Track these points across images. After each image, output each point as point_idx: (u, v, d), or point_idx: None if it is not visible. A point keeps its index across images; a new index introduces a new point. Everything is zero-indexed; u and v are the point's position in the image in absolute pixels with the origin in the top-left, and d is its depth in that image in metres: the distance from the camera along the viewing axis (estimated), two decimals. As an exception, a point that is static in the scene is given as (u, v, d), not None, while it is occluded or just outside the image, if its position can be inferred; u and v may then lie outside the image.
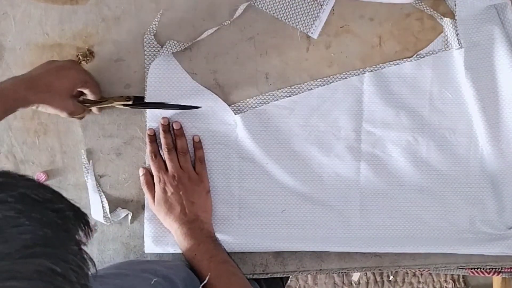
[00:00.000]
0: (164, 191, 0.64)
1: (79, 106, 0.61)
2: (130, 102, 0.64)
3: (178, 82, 0.66)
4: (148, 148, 0.66)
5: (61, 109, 0.58)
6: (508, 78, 0.66)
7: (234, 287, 0.58)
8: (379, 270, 0.71)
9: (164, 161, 0.65)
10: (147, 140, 0.66)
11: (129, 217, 0.68)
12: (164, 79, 0.66)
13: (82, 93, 0.63)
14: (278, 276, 0.70)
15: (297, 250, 0.68)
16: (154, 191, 0.65)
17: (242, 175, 0.68)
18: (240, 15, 0.66)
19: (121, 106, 0.65)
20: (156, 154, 0.65)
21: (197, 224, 0.63)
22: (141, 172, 0.67)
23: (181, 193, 0.64)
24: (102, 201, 0.67)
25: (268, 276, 0.70)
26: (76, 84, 0.60)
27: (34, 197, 0.29)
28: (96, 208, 0.67)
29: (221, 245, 0.64)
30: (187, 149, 0.66)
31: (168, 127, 0.66)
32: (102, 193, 0.67)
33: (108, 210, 0.67)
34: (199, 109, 0.67)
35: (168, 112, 0.66)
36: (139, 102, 0.65)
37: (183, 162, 0.65)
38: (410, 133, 0.68)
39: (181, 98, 0.66)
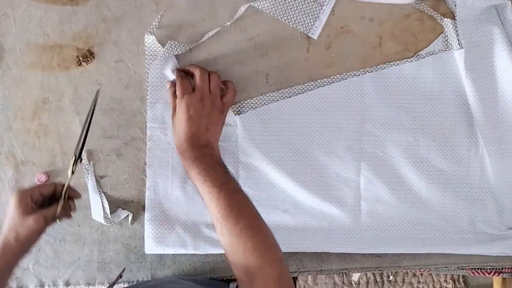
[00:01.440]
0: (187, 110, 0.61)
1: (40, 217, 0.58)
2: (73, 161, 0.61)
3: None
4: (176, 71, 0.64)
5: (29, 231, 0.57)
6: (509, 78, 0.66)
7: (245, 218, 0.54)
8: (379, 270, 0.71)
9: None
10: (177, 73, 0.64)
11: (130, 218, 0.68)
12: (165, 79, 0.66)
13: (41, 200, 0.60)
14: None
15: (297, 251, 0.68)
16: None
17: (243, 176, 0.68)
18: (240, 16, 0.66)
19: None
20: (186, 72, 0.64)
21: (208, 150, 0.60)
22: (168, 84, 0.65)
23: (201, 116, 0.61)
24: (102, 202, 0.67)
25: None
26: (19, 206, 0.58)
27: None
28: (96, 209, 0.67)
29: (231, 174, 0.59)
30: (219, 77, 0.64)
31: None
32: (103, 194, 0.67)
33: (108, 211, 0.67)
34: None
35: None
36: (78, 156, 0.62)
37: (214, 86, 0.63)
38: (411, 134, 0.68)
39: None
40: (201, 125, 0.61)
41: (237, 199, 0.55)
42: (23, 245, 0.57)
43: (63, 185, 0.60)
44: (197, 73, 0.62)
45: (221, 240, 0.54)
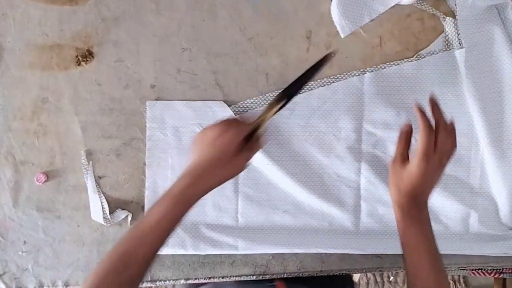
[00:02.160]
0: (430, 165, 0.57)
1: (246, 155, 0.56)
2: (282, 103, 0.59)
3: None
4: (421, 119, 0.58)
5: (236, 173, 0.56)
6: (509, 77, 0.66)
7: None
8: (380, 271, 0.71)
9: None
10: (418, 114, 0.58)
11: (129, 218, 0.67)
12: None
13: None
14: (277, 277, 0.70)
15: (297, 251, 0.68)
16: (406, 150, 0.61)
17: (242, 176, 0.68)
18: (240, 15, 0.66)
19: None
20: (431, 126, 0.58)
21: (427, 211, 0.59)
22: (405, 127, 0.62)
23: (435, 173, 0.59)
24: (101, 202, 0.67)
25: (267, 277, 0.70)
26: (235, 143, 0.55)
27: None
28: (95, 209, 0.66)
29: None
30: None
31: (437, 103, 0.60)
32: (102, 194, 0.67)
33: (107, 211, 0.66)
34: (201, 106, 0.66)
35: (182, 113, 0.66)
36: (287, 98, 0.59)
37: (448, 144, 0.59)
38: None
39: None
40: (434, 184, 0.60)
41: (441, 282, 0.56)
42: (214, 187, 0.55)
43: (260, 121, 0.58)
44: (442, 134, 0.59)
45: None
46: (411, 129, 0.62)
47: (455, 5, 0.66)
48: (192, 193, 0.53)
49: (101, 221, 0.66)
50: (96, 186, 0.67)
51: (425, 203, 0.59)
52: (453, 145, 0.59)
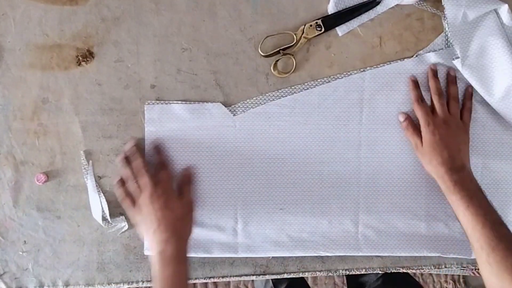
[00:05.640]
0: (434, 133, 0.63)
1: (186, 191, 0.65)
2: (321, 31, 0.65)
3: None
4: (412, 93, 0.66)
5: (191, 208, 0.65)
6: (506, 75, 0.65)
7: None
8: (380, 270, 0.71)
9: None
10: (411, 86, 0.67)
11: (124, 229, 0.68)
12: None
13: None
14: (279, 277, 0.70)
15: (297, 255, 0.68)
16: (419, 136, 0.65)
17: (242, 175, 0.68)
18: (240, 15, 0.66)
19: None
20: (421, 98, 0.66)
21: (466, 173, 0.62)
22: (402, 117, 0.67)
23: (449, 138, 0.63)
24: (101, 203, 0.67)
25: (267, 277, 0.70)
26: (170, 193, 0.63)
27: None
28: (96, 209, 0.67)
29: (491, 202, 0.60)
30: (458, 95, 0.66)
31: (436, 72, 0.66)
32: (102, 194, 0.67)
33: (107, 211, 0.66)
34: (199, 108, 0.66)
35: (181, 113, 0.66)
36: (329, 22, 0.66)
37: (453, 108, 0.65)
38: None
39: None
40: (452, 147, 0.62)
41: (505, 233, 0.57)
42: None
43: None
44: (435, 99, 0.65)
45: (486, 269, 0.55)
46: (409, 116, 0.67)
47: (445, 19, 0.66)
48: (181, 247, 0.60)
49: (100, 222, 0.66)
50: (96, 186, 0.67)
51: (462, 166, 0.62)
52: (455, 106, 0.65)
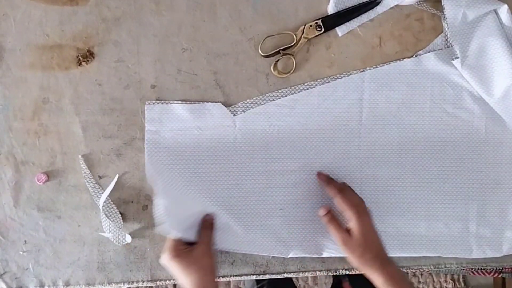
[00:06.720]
0: (363, 223, 0.61)
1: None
2: (321, 31, 0.66)
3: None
4: (328, 189, 0.64)
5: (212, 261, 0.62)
6: (505, 75, 0.66)
7: None
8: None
9: None
10: (324, 182, 0.66)
11: (128, 240, 0.68)
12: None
13: None
14: (279, 276, 0.70)
15: (297, 255, 0.68)
16: (345, 229, 0.62)
17: (242, 175, 0.68)
18: (240, 15, 0.66)
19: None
20: (342, 190, 0.63)
21: (393, 263, 0.61)
22: (323, 211, 0.64)
23: (372, 226, 0.62)
24: (111, 226, 0.67)
25: (267, 277, 0.70)
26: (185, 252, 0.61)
27: None
28: (107, 230, 0.67)
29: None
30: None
31: (327, 177, 0.67)
32: (119, 215, 0.67)
33: (121, 226, 0.67)
34: (199, 108, 0.67)
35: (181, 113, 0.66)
36: (329, 22, 0.67)
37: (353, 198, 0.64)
38: (411, 130, 0.68)
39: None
40: (377, 235, 0.62)
41: None
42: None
43: None
44: (340, 198, 0.62)
45: None
46: (329, 210, 0.64)
47: (445, 20, 0.66)
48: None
49: (110, 238, 0.67)
50: (96, 185, 0.67)
51: (387, 255, 0.61)
52: (359, 198, 0.63)
